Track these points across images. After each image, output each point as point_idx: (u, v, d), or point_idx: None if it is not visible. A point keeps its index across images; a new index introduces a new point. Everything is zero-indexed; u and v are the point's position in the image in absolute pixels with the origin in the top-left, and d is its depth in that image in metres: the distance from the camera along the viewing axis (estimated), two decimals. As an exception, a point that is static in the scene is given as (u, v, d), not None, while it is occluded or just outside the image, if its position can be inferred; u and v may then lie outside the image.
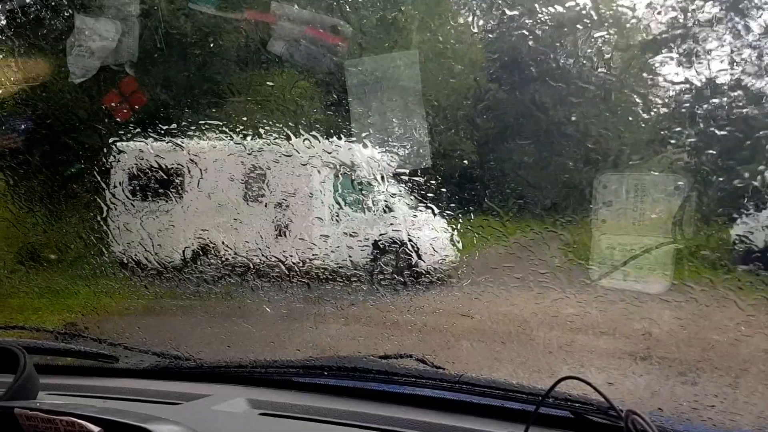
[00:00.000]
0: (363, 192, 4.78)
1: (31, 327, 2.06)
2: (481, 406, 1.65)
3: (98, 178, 4.11)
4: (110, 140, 4.32)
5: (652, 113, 4.35)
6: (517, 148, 4.70)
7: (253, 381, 1.89)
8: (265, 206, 5.05)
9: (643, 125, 4.41)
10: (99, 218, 3.95)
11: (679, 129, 4.01)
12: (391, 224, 4.87)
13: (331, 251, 4.42)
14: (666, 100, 4.23)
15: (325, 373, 1.81)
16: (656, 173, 4.16)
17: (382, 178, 4.26)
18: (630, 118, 4.49)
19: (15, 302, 4.27)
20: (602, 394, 1.32)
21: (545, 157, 4.50)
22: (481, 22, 4.96)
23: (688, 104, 4.01)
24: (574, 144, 4.35)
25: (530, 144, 4.58)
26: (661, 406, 1.57)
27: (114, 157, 4.21)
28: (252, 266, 4.24)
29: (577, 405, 1.45)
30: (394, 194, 4.57)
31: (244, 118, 4.62)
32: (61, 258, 4.20)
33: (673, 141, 4.12)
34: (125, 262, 4.20)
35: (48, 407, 1.26)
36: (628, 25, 4.12)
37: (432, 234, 4.10)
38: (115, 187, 4.53)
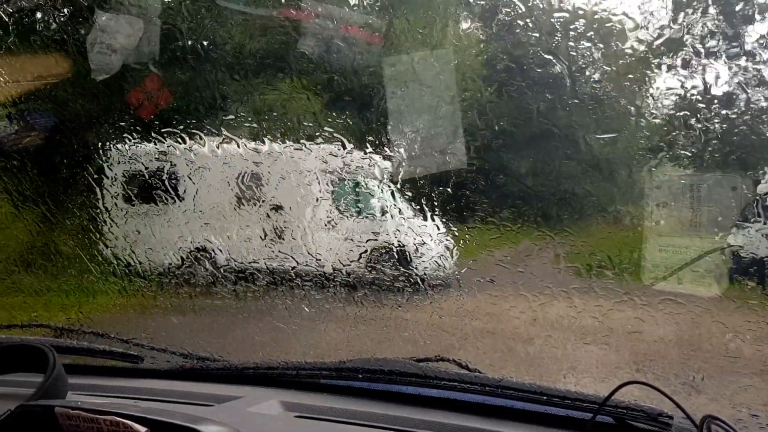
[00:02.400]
0: (383, 198, 4.75)
1: (56, 326, 2.02)
2: (525, 412, 1.59)
3: (124, 179, 4.11)
4: (133, 143, 4.33)
5: (657, 119, 4.32)
6: (519, 155, 4.66)
7: (283, 383, 1.84)
8: (292, 209, 5.02)
9: (646, 132, 4.37)
10: (129, 220, 3.95)
11: (681, 134, 3.98)
12: (400, 229, 4.84)
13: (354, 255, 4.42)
14: (667, 107, 4.19)
15: (360, 376, 1.76)
16: (713, 174, 4.10)
17: (398, 184, 4.24)
18: (633, 124, 4.46)
19: (41, 300, 4.26)
20: (673, 400, 1.25)
21: (545, 163, 4.46)
22: (481, 30, 4.94)
23: (689, 110, 3.98)
24: (573, 150, 4.32)
25: (531, 150, 4.55)
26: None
27: (142, 159, 4.22)
28: (270, 270, 4.23)
29: (636, 412, 1.38)
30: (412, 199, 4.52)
31: (264, 124, 4.61)
32: (88, 259, 4.19)
33: (675, 147, 4.08)
34: (145, 262, 4.21)
35: (89, 407, 1.21)
36: (628, 33, 4.07)
37: (439, 238, 4.07)
38: (138, 190, 4.52)
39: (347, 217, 5.21)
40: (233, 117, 4.34)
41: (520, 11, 4.07)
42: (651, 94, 4.42)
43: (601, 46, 4.07)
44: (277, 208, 5.02)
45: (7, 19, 4.44)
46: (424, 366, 1.77)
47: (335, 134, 4.01)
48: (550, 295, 3.61)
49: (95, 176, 4.44)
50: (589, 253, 3.87)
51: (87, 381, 1.88)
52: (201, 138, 4.33)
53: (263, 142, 4.25)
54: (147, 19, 3.37)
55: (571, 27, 3.93)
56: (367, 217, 5.14)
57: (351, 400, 1.72)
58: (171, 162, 4.60)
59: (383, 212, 4.75)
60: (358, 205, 5.21)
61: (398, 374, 1.74)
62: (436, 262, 4.21)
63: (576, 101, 4.06)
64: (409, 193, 4.20)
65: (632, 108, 4.57)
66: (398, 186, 4.15)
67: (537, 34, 3.99)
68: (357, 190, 5.15)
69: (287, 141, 4.41)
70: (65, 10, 4.84)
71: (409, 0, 4.93)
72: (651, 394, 1.46)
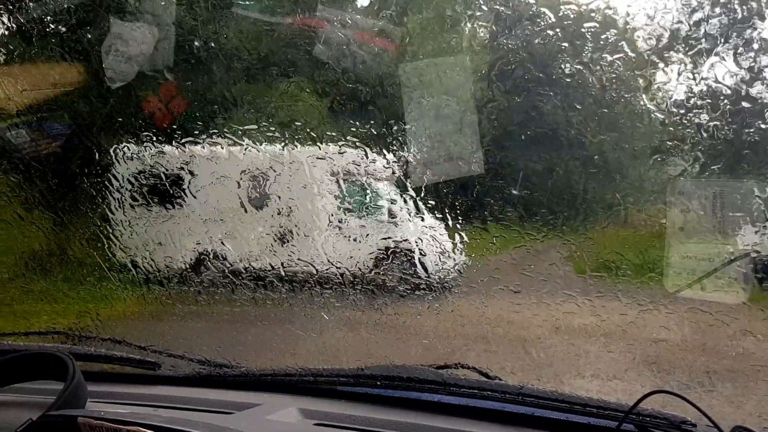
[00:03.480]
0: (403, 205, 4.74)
1: (74, 333, 2.02)
2: (546, 420, 1.56)
3: (144, 186, 4.14)
4: (153, 149, 4.36)
5: (660, 120, 4.27)
6: (525, 155, 4.63)
7: (301, 390, 1.83)
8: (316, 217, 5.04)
9: (648, 132, 4.32)
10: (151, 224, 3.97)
11: (687, 135, 3.93)
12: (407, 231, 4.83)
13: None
14: (673, 108, 4.14)
15: (378, 383, 1.74)
16: (738, 179, 4.05)
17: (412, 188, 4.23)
18: (637, 126, 4.41)
19: (58, 307, 4.29)
20: (698, 408, 1.22)
21: (552, 164, 4.42)
22: (485, 29, 4.91)
23: (695, 111, 3.93)
24: (580, 151, 4.28)
25: (537, 151, 4.51)
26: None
27: (161, 161, 4.24)
28: (287, 276, 4.24)
29: (660, 420, 1.35)
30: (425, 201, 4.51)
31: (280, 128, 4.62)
32: (105, 264, 4.21)
33: (698, 153, 4.03)
34: (163, 269, 4.24)
35: (112, 416, 1.21)
36: (636, 33, 4.03)
37: (460, 245, 4.06)
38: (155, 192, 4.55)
39: (365, 222, 5.20)
40: (255, 126, 4.35)
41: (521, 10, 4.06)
42: (675, 99, 4.37)
43: (624, 48, 4.04)
44: (293, 214, 5.03)
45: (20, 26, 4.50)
46: (443, 373, 1.75)
47: (357, 142, 4.02)
48: (573, 303, 3.60)
49: (113, 182, 4.46)
50: (613, 260, 3.86)
51: (105, 388, 1.88)
52: (220, 144, 4.36)
53: (282, 149, 4.26)
54: (162, 26, 3.38)
55: (586, 26, 3.91)
56: (385, 223, 5.12)
57: (369, 407, 1.71)
58: (189, 169, 4.63)
59: (403, 218, 4.74)
60: (378, 211, 5.19)
61: (417, 381, 1.72)
62: (458, 269, 4.20)
63: (605, 110, 4.05)
64: (431, 201, 4.20)
65: (659, 114, 4.52)
66: (419, 192, 4.15)
67: (546, 36, 3.98)
68: (376, 196, 5.14)
69: (304, 146, 4.42)
70: (76, 17, 4.89)
71: (425, 4, 4.92)
72: (676, 402, 1.44)
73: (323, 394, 1.80)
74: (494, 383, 1.72)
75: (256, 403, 1.74)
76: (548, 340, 3.79)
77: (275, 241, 4.91)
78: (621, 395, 3.28)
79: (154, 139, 4.32)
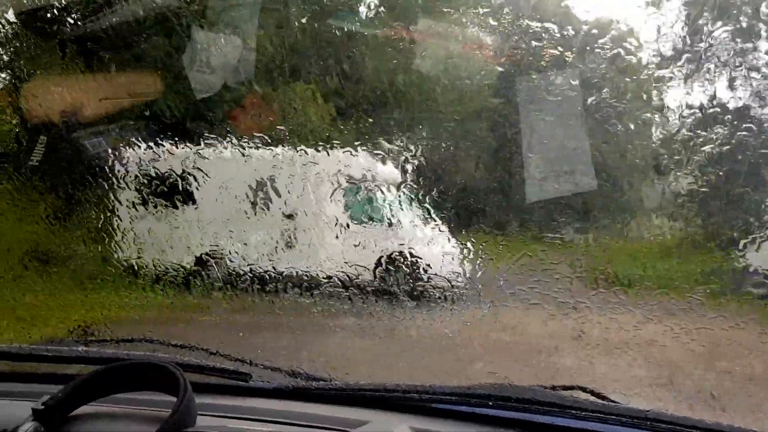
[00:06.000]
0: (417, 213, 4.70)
1: (168, 342, 1.95)
2: None
3: (185, 185, 4.11)
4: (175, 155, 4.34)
5: (658, 133, 4.24)
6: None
7: (406, 408, 1.76)
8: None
9: (648, 146, 4.30)
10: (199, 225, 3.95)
11: (695, 149, 3.91)
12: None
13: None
14: (670, 121, 4.12)
15: (490, 403, 1.67)
16: (729, 189, 4.03)
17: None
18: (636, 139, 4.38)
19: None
20: None
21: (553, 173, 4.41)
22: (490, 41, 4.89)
23: (690, 126, 3.93)
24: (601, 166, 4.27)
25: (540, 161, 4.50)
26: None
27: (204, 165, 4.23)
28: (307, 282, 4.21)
29: None
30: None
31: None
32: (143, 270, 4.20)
33: (690, 162, 4.01)
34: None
35: None
36: (634, 48, 4.01)
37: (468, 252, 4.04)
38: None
39: (371, 228, 5.16)
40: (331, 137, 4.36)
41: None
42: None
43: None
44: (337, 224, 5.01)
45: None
46: (557, 394, 1.68)
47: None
48: (576, 310, 3.60)
49: (135, 189, 4.48)
50: (615, 268, 3.87)
51: (199, 400, 1.81)
52: (256, 151, 4.35)
53: (328, 152, 4.24)
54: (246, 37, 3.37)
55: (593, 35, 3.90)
56: (389, 229, 5.07)
57: (484, 428, 1.64)
58: (226, 177, 4.64)
59: (411, 225, 4.72)
60: (389, 217, 5.14)
61: (534, 402, 1.65)
62: (465, 276, 4.17)
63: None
64: (441, 210, 4.20)
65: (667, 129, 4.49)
66: (430, 201, 4.14)
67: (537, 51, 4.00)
68: (390, 203, 5.09)
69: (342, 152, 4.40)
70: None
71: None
72: None
73: (431, 412, 1.73)
74: (614, 407, 1.66)
75: (363, 420, 1.67)
76: (561, 352, 3.82)
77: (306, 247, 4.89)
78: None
79: (175, 143, 4.34)
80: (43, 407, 1.47)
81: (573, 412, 1.61)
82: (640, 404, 1.64)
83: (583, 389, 1.73)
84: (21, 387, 1.79)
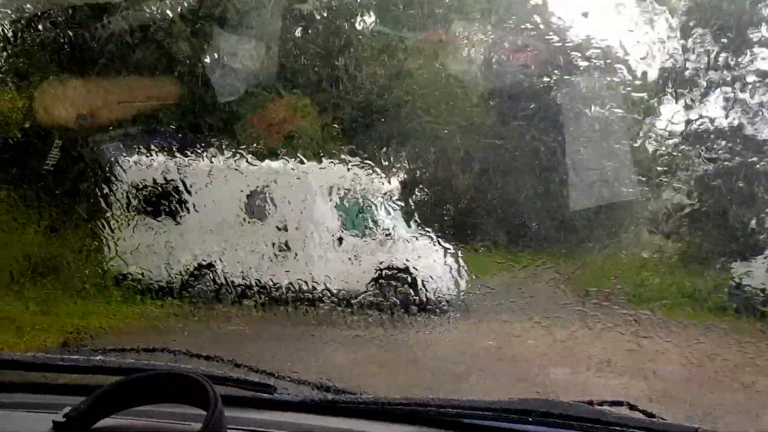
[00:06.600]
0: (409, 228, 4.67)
1: (193, 353, 1.88)
2: None
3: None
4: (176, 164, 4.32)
5: (651, 152, 4.25)
6: (519, 181, 4.63)
7: (438, 423, 1.69)
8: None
9: (654, 162, 4.31)
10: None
11: (679, 166, 3.92)
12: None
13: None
14: (666, 140, 4.14)
15: (530, 419, 1.61)
16: (721, 206, 4.04)
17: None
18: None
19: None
20: None
21: (562, 194, 4.41)
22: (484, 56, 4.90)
23: (687, 144, 3.95)
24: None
25: (532, 177, 4.51)
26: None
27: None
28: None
29: None
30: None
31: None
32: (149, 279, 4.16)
33: (681, 177, 4.02)
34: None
35: None
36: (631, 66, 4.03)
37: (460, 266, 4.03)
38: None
39: (364, 241, 5.13)
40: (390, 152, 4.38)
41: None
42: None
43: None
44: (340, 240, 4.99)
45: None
46: (604, 410, 1.61)
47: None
48: (567, 325, 3.59)
49: (136, 200, 4.46)
50: (607, 283, 3.89)
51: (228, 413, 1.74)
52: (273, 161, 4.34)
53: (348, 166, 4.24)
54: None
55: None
56: (381, 243, 5.04)
57: None
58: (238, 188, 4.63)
59: (401, 239, 4.72)
60: (382, 230, 5.10)
61: (574, 419, 1.58)
62: (459, 289, 4.15)
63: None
64: (433, 223, 4.22)
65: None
66: (422, 215, 4.15)
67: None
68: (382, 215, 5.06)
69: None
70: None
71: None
72: None
73: (463, 428, 1.66)
74: (659, 423, 1.59)
75: None
76: (550, 366, 3.82)
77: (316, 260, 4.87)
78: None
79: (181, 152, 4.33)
80: (64, 419, 1.40)
81: (618, 429, 1.55)
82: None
83: (632, 406, 1.67)
84: (38, 398, 1.71)
